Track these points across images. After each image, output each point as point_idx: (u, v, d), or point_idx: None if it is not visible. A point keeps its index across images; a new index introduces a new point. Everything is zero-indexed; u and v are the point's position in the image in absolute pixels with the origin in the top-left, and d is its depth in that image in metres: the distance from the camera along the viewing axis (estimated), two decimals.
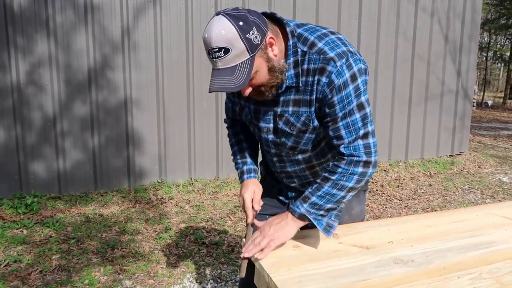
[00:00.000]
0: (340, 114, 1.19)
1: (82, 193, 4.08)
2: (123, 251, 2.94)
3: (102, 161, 4.18)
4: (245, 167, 1.51)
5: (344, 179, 1.23)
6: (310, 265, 1.17)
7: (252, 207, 1.40)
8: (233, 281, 2.64)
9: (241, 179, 1.51)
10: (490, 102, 16.68)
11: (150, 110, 4.30)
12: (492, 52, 19.46)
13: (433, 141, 5.93)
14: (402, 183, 4.89)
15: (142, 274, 2.66)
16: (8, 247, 2.94)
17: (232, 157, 1.60)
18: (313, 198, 1.25)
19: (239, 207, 3.89)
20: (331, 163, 1.26)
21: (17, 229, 3.24)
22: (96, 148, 4.14)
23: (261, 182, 1.60)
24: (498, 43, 22.79)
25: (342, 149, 1.22)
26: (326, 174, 1.25)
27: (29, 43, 3.81)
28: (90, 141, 4.11)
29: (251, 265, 1.25)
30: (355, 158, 1.22)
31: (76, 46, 3.96)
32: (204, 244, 3.10)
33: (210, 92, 1.13)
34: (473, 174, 5.40)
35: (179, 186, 4.35)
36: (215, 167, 4.65)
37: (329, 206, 1.25)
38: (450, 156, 6.09)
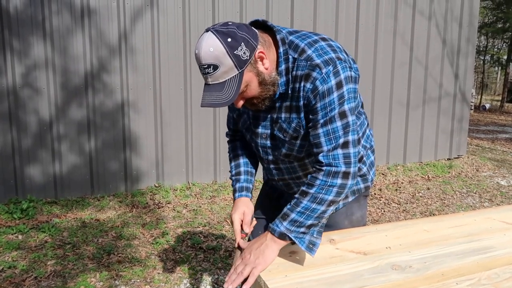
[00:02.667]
0: (321, 121, 1.18)
1: (79, 198, 4.05)
2: (119, 256, 2.92)
3: (99, 165, 4.15)
4: (237, 185, 1.48)
5: (323, 192, 1.18)
6: (307, 271, 1.16)
7: (242, 229, 1.35)
8: None
9: (234, 198, 1.47)
10: (487, 105, 16.71)
11: (147, 114, 4.29)
12: (490, 55, 19.53)
13: (431, 144, 5.93)
14: (400, 187, 4.88)
15: (138, 280, 2.63)
16: (3, 252, 2.91)
17: (229, 173, 1.58)
18: (293, 215, 1.18)
19: None
20: (309, 176, 1.21)
21: (12, 234, 3.21)
22: (93, 152, 4.12)
23: (263, 184, 1.59)
24: (496, 47, 22.89)
25: (320, 157, 1.19)
26: (304, 188, 1.20)
27: (25, 46, 3.79)
28: (86, 144, 4.09)
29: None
30: (333, 169, 1.18)
31: (73, 49, 3.94)
32: (201, 249, 3.08)
33: (201, 107, 1.15)
34: (471, 178, 5.39)
35: (176, 190, 4.33)
36: (213, 171, 4.63)
37: (310, 222, 1.18)
38: (448, 159, 6.08)
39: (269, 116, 1.33)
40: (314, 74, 1.16)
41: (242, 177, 1.49)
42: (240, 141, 1.57)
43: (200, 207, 3.95)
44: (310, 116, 1.20)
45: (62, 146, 4.01)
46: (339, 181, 1.19)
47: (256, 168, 1.56)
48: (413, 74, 5.62)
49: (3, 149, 3.82)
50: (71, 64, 3.95)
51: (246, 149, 1.55)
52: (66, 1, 3.87)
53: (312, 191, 1.19)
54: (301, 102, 1.21)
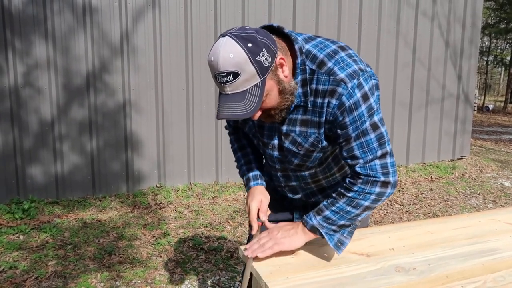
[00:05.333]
0: (353, 135, 1.14)
1: (80, 198, 4.04)
2: (121, 257, 2.91)
3: (101, 165, 4.15)
4: (250, 174, 1.44)
5: (360, 198, 1.17)
6: (309, 273, 1.14)
7: (258, 217, 1.34)
8: (232, 287, 2.60)
9: (247, 187, 1.43)
10: (491, 106, 16.66)
11: (149, 114, 4.28)
12: (493, 56, 19.48)
13: (434, 145, 5.90)
14: (403, 188, 4.85)
15: (139, 281, 2.62)
16: (4, 253, 2.91)
17: (236, 163, 1.52)
18: (327, 212, 1.20)
19: (239, 212, 3.86)
20: (347, 180, 1.20)
21: (13, 234, 3.20)
22: (95, 152, 4.11)
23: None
24: (499, 47, 22.82)
25: (358, 169, 1.16)
26: (342, 190, 1.20)
27: (27, 45, 3.79)
28: (88, 145, 4.08)
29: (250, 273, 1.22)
30: (371, 179, 1.16)
31: (75, 49, 3.94)
32: (202, 250, 3.07)
33: (218, 119, 1.07)
34: (474, 179, 5.36)
35: (178, 190, 4.32)
36: (215, 172, 4.62)
37: (342, 222, 1.19)
38: (452, 160, 6.05)
39: (275, 127, 1.27)
40: (340, 89, 1.10)
41: (254, 165, 1.46)
42: (243, 133, 1.52)
43: (202, 207, 3.94)
44: (339, 132, 1.15)
45: (64, 146, 4.00)
46: (377, 189, 1.17)
47: (262, 159, 1.53)
48: (415, 75, 5.60)
49: (5, 149, 3.82)
50: (73, 64, 3.95)
51: (251, 140, 1.51)
52: (68, 1, 3.87)
53: (349, 194, 1.18)
54: (324, 118, 1.16)
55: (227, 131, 1.58)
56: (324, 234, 1.20)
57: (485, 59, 19.33)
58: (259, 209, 1.35)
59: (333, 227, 1.20)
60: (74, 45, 3.94)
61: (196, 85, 4.41)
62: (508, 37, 17.93)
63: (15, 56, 3.76)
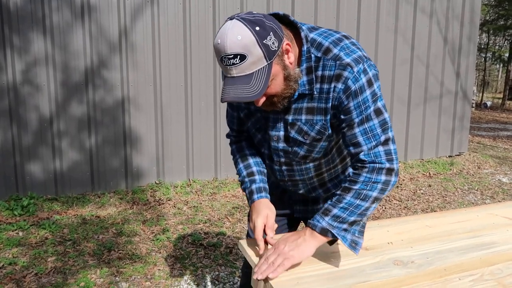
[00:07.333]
0: (356, 120, 1.13)
1: (79, 195, 4.05)
2: (120, 253, 2.91)
3: (99, 161, 4.15)
4: (253, 186, 1.36)
5: (367, 188, 1.14)
6: (308, 266, 1.15)
7: (265, 233, 1.24)
8: (231, 283, 2.61)
9: (251, 200, 1.35)
10: (489, 103, 16.70)
11: (148, 111, 4.28)
12: (491, 53, 19.50)
13: (432, 141, 5.92)
14: (401, 184, 4.87)
15: (139, 276, 2.63)
16: (4, 249, 2.91)
17: (237, 176, 1.45)
18: (335, 211, 1.15)
19: (237, 208, 3.87)
20: (351, 172, 1.18)
21: (12, 231, 3.20)
22: (93, 148, 4.11)
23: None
24: (497, 44, 22.85)
25: (362, 156, 1.15)
26: (347, 184, 1.16)
27: (25, 42, 3.78)
28: (87, 141, 4.08)
29: (249, 268, 1.22)
30: (377, 165, 1.14)
31: (73, 46, 3.93)
32: (202, 245, 3.08)
33: (222, 102, 1.05)
34: (472, 175, 5.38)
35: (177, 187, 4.32)
36: (213, 168, 4.63)
37: (352, 218, 1.15)
38: (450, 156, 6.07)
39: (280, 118, 1.26)
40: (346, 73, 1.11)
41: (257, 177, 1.39)
42: (246, 141, 1.48)
43: (201, 204, 3.95)
44: (342, 116, 1.15)
45: (63, 142, 4.00)
46: (383, 177, 1.15)
47: (265, 171, 1.47)
48: (414, 72, 5.60)
49: (4, 146, 3.82)
50: (72, 60, 3.94)
51: (253, 148, 1.47)
52: None
53: (356, 187, 1.15)
54: (330, 104, 1.16)
55: (229, 140, 1.52)
56: (336, 235, 1.14)
57: (484, 56, 19.37)
58: (265, 226, 1.26)
59: (344, 226, 1.15)
60: (73, 41, 3.93)
61: (195, 81, 4.41)
62: (507, 34, 17.96)
63: (13, 53, 3.75)
